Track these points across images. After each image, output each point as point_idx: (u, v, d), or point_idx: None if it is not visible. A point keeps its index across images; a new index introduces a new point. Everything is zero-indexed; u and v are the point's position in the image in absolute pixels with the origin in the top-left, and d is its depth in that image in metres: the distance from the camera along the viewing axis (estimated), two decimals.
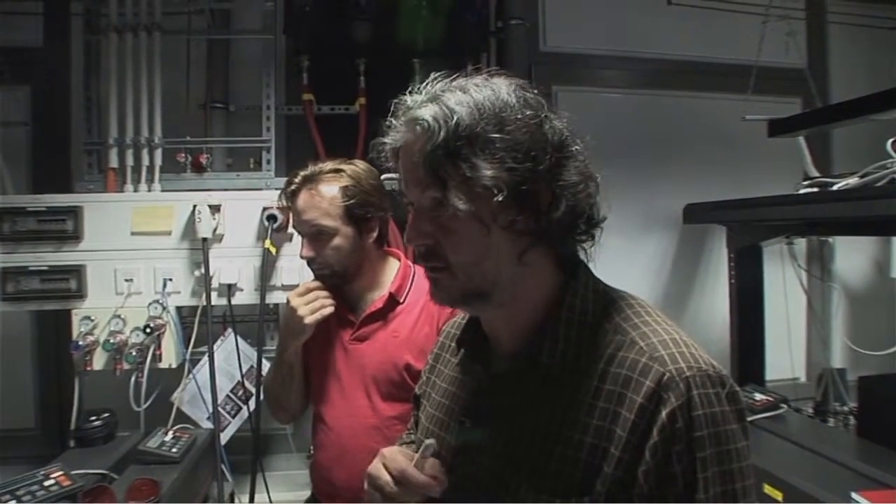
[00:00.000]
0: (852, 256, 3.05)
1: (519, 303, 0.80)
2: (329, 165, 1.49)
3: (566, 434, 0.74)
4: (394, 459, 0.84)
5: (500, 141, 0.73)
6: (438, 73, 0.80)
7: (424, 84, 0.79)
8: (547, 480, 0.74)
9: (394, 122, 0.79)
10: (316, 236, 1.46)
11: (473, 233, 0.75)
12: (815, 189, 2.07)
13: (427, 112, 0.74)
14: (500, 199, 0.73)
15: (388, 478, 0.83)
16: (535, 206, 0.75)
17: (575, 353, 0.77)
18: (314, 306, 1.45)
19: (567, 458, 0.73)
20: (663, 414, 0.68)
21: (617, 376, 0.73)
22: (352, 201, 1.44)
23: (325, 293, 1.48)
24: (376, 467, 0.86)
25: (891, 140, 1.82)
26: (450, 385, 0.94)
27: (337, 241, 1.45)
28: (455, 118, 0.73)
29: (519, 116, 0.74)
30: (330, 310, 1.47)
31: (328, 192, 1.44)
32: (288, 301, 1.49)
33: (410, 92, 0.80)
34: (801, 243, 2.88)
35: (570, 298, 0.80)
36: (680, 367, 0.70)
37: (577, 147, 0.78)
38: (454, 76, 0.79)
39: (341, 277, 1.48)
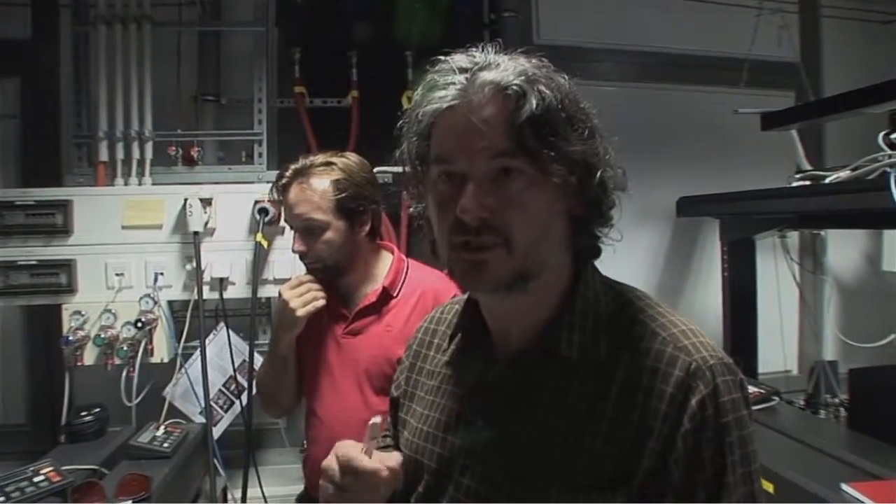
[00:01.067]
0: (844, 250, 3.06)
1: (543, 292, 0.77)
2: (320, 158, 1.48)
3: (592, 427, 0.72)
4: (343, 448, 0.80)
5: (581, 121, 0.72)
6: (483, 43, 0.75)
7: (469, 50, 0.75)
8: (576, 476, 0.72)
9: (452, 78, 0.72)
10: (307, 230, 1.45)
11: (544, 208, 0.72)
12: (808, 182, 2.07)
13: (511, 77, 0.70)
14: (593, 178, 0.72)
15: (336, 467, 0.79)
16: (594, 192, 0.74)
17: (594, 345, 0.76)
18: (306, 299, 1.45)
19: (596, 451, 0.72)
20: (693, 402, 0.69)
21: (642, 367, 0.72)
22: (343, 195, 1.43)
23: (317, 286, 1.47)
24: (328, 459, 0.81)
25: (882, 133, 1.82)
26: (442, 383, 0.90)
27: (328, 234, 1.44)
28: (541, 87, 0.70)
29: (582, 104, 0.74)
30: (322, 303, 1.46)
31: (319, 185, 1.43)
32: (280, 294, 1.48)
33: (448, 55, 0.75)
34: (793, 236, 2.88)
35: (584, 290, 0.79)
36: (704, 357, 0.72)
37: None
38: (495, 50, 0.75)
39: (334, 271, 1.48)
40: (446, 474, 0.83)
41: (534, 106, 0.68)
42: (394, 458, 0.81)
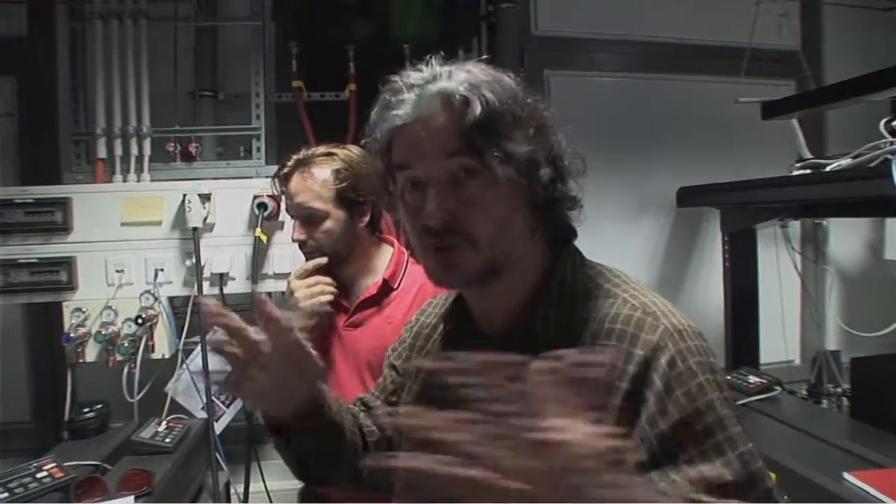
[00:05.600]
0: (846, 238, 3.05)
1: (517, 278, 0.81)
2: (322, 149, 1.49)
3: None
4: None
5: (526, 118, 0.76)
6: (431, 56, 0.79)
7: (419, 65, 0.79)
8: None
9: (403, 96, 0.77)
10: (307, 219, 1.46)
11: (502, 204, 0.76)
12: (809, 171, 2.06)
13: (455, 85, 0.74)
14: (545, 172, 0.76)
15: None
16: (553, 184, 0.79)
17: (569, 321, 0.79)
18: (314, 291, 1.45)
19: None
20: (663, 361, 0.72)
21: (611, 331, 0.76)
22: (343, 184, 1.44)
23: (327, 280, 1.47)
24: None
25: (884, 120, 1.81)
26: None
27: (328, 224, 1.44)
28: (484, 92, 0.74)
29: (528, 99, 0.78)
30: (328, 298, 1.46)
31: (320, 174, 1.44)
32: (289, 283, 1.49)
33: (402, 72, 0.79)
34: (794, 226, 2.87)
35: (561, 271, 0.83)
36: (673, 322, 0.75)
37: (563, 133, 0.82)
38: (446, 61, 0.80)
39: (333, 262, 1.48)
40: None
41: (478, 110, 0.73)
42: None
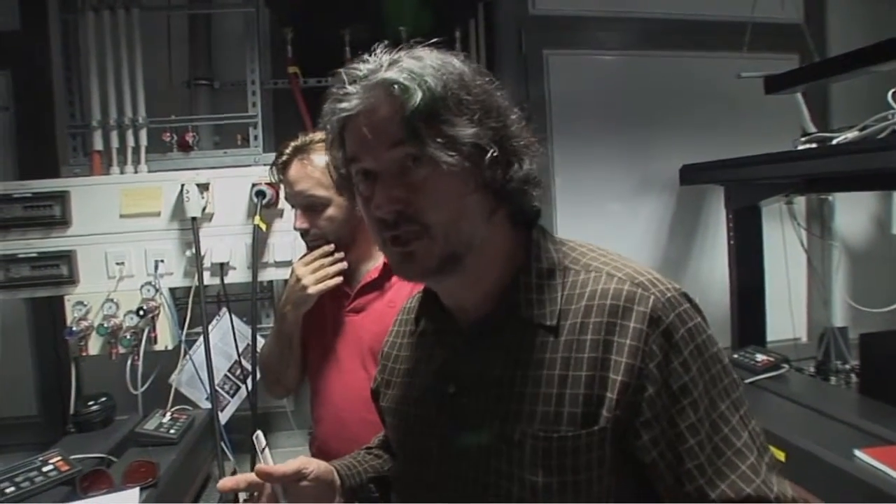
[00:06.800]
0: (852, 214, 3.02)
1: (483, 265, 0.81)
2: (320, 135, 1.45)
3: (562, 374, 0.76)
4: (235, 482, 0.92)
5: (472, 102, 0.76)
6: (379, 44, 0.80)
7: (368, 54, 0.79)
8: (550, 424, 0.75)
9: (349, 88, 0.76)
10: (309, 207, 1.44)
11: (452, 190, 0.76)
12: (814, 145, 2.03)
13: (396, 75, 0.74)
14: (491, 155, 0.76)
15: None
16: (504, 165, 0.78)
17: (552, 300, 0.80)
18: (319, 276, 1.44)
19: (567, 397, 0.75)
20: (661, 331, 0.73)
21: (602, 307, 0.76)
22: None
23: (330, 260, 1.45)
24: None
25: (891, 91, 1.77)
26: (413, 365, 0.94)
27: (330, 211, 1.43)
28: (426, 79, 0.74)
29: (478, 81, 0.78)
30: (336, 280, 1.44)
31: (320, 161, 1.41)
32: (293, 269, 1.47)
33: (352, 62, 0.79)
34: (800, 202, 2.84)
35: (537, 251, 0.83)
36: (661, 290, 0.76)
37: (519, 112, 0.82)
38: (398, 48, 0.79)
39: (336, 248, 1.46)
40: (429, 452, 0.87)
41: (418, 98, 0.73)
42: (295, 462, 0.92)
